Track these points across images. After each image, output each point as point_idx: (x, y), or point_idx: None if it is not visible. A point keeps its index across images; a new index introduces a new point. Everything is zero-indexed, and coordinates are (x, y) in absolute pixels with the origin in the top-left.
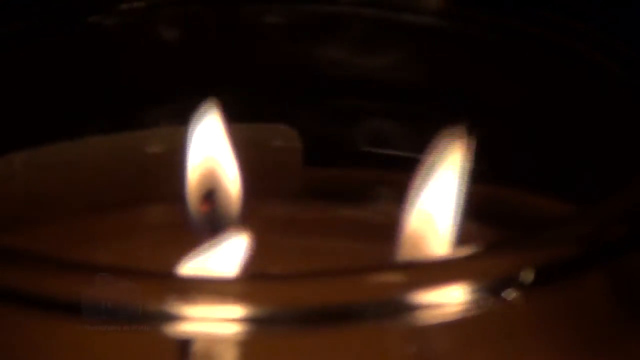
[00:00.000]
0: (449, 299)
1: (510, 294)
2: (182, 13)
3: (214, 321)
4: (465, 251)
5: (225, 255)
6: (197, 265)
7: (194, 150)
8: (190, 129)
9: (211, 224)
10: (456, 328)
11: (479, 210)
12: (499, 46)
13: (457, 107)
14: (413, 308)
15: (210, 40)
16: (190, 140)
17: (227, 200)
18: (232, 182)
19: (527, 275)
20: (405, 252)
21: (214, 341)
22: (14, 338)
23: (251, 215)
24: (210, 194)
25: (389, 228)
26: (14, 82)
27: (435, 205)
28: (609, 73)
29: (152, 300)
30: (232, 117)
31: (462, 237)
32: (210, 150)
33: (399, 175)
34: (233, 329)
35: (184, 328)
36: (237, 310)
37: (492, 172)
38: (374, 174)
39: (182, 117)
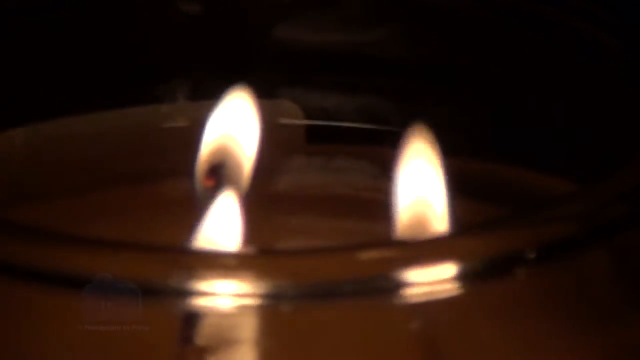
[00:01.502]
0: (451, 276)
1: (512, 271)
2: None
3: (220, 296)
4: (467, 228)
5: (221, 220)
6: (200, 236)
7: (212, 125)
8: (211, 104)
9: (213, 198)
10: (457, 305)
11: (479, 188)
12: (495, 22)
13: (456, 83)
14: (413, 284)
15: (216, 15)
16: (211, 115)
17: (234, 176)
18: (247, 159)
19: (529, 253)
20: (405, 231)
21: (220, 316)
22: (19, 313)
23: (255, 192)
24: (216, 169)
25: (389, 205)
26: (24, 56)
27: (426, 185)
28: (609, 48)
29: (158, 274)
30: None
31: (463, 215)
32: (229, 126)
33: (397, 152)
34: (237, 304)
35: (190, 303)
36: (242, 285)
37: (492, 149)
38: (374, 150)
39: (192, 93)
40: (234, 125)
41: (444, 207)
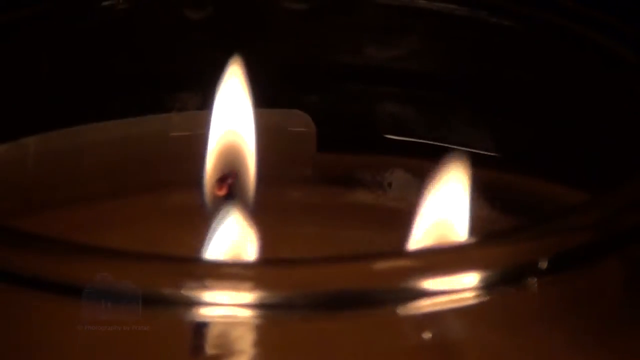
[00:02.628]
0: (465, 285)
1: (526, 280)
2: None
3: (229, 305)
4: (482, 238)
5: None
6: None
7: (215, 132)
8: (213, 109)
9: (223, 208)
10: (472, 314)
11: (495, 198)
12: (515, 34)
13: (471, 94)
14: (428, 294)
15: (228, 25)
16: (213, 122)
17: (243, 185)
18: (250, 166)
19: (542, 262)
20: (424, 240)
21: (228, 325)
22: (30, 322)
23: (265, 201)
24: (226, 178)
25: (401, 214)
26: (34, 66)
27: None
28: (624, 61)
29: (166, 284)
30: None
31: (479, 224)
32: (231, 132)
33: (411, 160)
34: (247, 313)
35: (199, 312)
36: (252, 295)
37: (509, 160)
38: (387, 159)
39: (200, 103)
40: (241, 135)
41: (462, 217)
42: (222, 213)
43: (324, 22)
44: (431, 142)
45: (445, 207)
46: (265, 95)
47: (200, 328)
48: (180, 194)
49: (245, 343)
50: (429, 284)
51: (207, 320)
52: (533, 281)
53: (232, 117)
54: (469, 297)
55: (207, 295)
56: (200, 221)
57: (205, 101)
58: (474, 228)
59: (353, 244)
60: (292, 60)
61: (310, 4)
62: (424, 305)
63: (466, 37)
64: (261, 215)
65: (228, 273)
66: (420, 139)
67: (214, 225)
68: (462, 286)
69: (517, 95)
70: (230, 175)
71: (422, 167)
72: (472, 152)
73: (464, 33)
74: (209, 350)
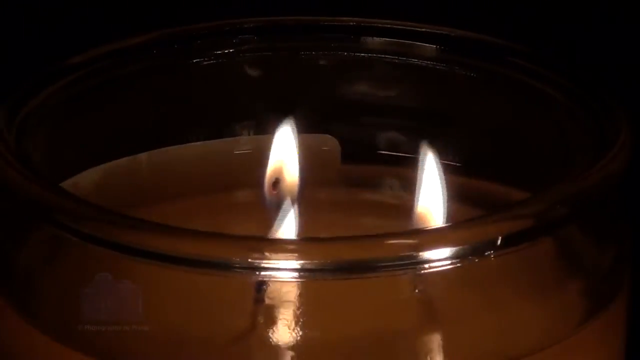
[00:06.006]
0: (444, 257)
1: (485, 254)
2: (259, 57)
3: (280, 270)
4: (456, 223)
5: (285, 226)
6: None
7: (272, 152)
8: (269, 137)
9: (276, 203)
10: (449, 276)
11: (464, 196)
12: (477, 82)
13: (445, 123)
14: (418, 262)
15: (279, 76)
16: (271, 145)
17: (289, 187)
18: (293, 175)
19: (497, 241)
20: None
21: (280, 283)
22: (150, 286)
23: (304, 198)
24: (276, 182)
25: (400, 208)
26: (146, 105)
27: (431, 196)
28: (555, 100)
29: (238, 255)
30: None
31: (452, 215)
32: (281, 152)
33: (406, 170)
34: (293, 275)
35: (262, 275)
36: (296, 262)
37: (473, 169)
38: (389, 170)
39: (259, 130)
40: (288, 151)
41: (441, 209)
42: (281, 208)
43: (342, 73)
44: (416, 157)
45: (428, 201)
46: (305, 124)
47: (261, 285)
48: (242, 193)
49: (291, 296)
50: (420, 255)
51: (266, 280)
52: (492, 254)
53: (284, 147)
54: (447, 265)
55: (266, 262)
56: (257, 213)
57: (258, 129)
58: (450, 217)
59: (363, 227)
60: (323, 100)
61: (332, 61)
62: (417, 270)
63: (441, 83)
64: (302, 207)
65: (281, 247)
66: (409, 154)
67: (276, 216)
68: (442, 257)
69: (479, 125)
70: (278, 181)
71: (410, 175)
72: (445, 163)
73: (441, 80)
74: (267, 301)
